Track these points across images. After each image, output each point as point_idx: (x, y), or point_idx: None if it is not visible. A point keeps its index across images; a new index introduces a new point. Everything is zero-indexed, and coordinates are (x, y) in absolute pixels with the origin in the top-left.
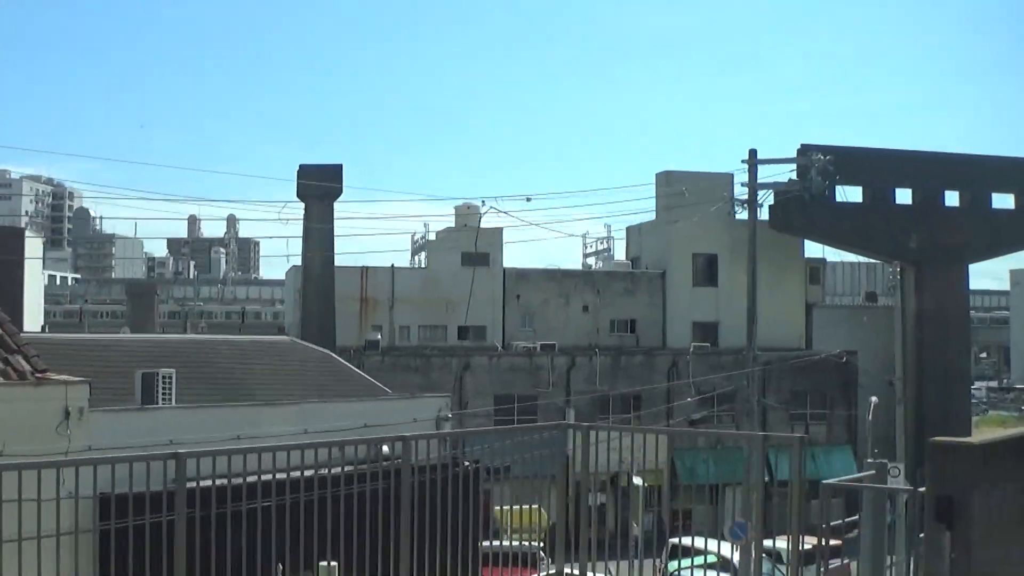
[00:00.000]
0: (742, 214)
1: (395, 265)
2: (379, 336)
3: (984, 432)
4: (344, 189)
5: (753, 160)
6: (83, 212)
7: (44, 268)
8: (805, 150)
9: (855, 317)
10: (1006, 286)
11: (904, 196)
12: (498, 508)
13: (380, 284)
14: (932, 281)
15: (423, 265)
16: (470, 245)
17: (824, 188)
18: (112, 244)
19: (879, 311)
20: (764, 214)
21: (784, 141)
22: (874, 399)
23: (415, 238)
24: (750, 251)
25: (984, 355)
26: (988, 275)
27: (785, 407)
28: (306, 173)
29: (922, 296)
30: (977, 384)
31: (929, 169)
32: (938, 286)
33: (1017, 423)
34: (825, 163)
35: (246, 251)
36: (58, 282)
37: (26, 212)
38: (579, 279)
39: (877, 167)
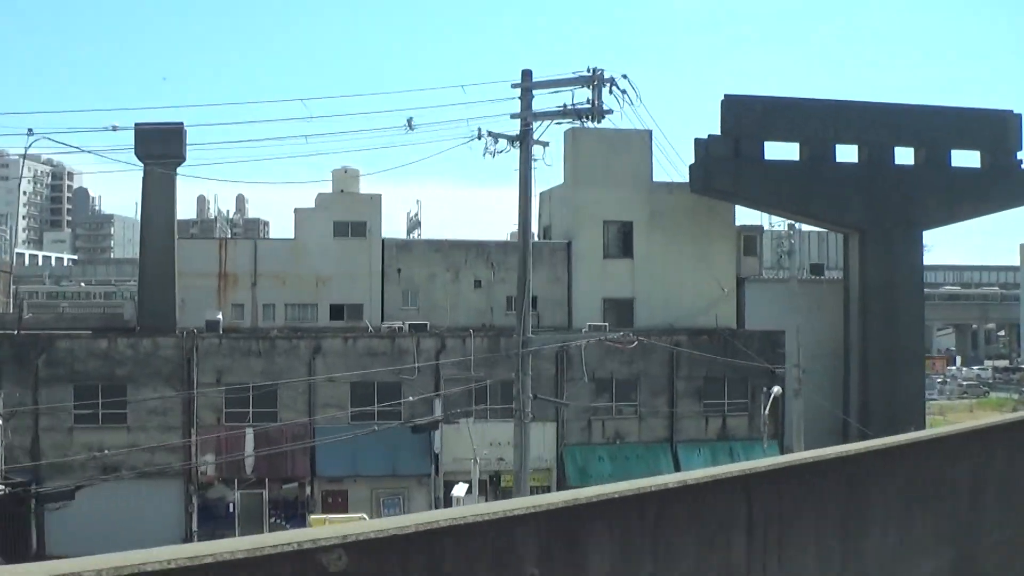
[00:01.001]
0: (658, 175)
1: (260, 236)
2: (219, 316)
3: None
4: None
5: (528, 83)
6: (83, 192)
7: (42, 249)
8: (730, 102)
9: (800, 292)
10: (1016, 261)
11: (848, 154)
12: (315, 517)
13: (241, 257)
14: (879, 251)
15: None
16: (345, 213)
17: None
18: (111, 224)
19: (827, 285)
20: (683, 175)
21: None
22: (777, 389)
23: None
24: (521, 208)
25: (1002, 333)
26: (997, 249)
27: (698, 396)
28: (145, 134)
29: (867, 268)
30: (984, 364)
31: (876, 122)
32: (886, 256)
33: (1017, 405)
34: (616, 80)
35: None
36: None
37: (24, 192)
38: (470, 251)
39: (815, 120)
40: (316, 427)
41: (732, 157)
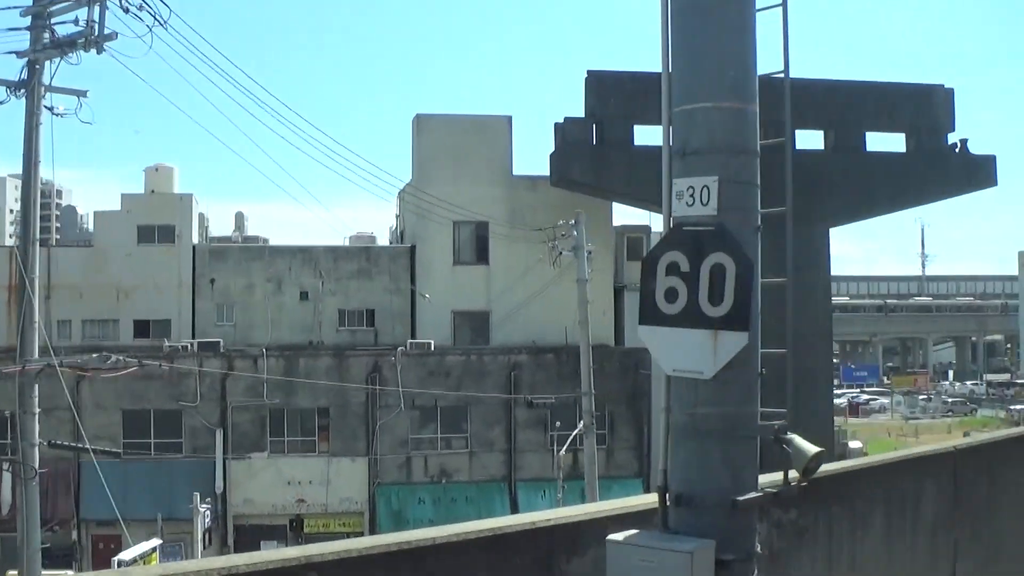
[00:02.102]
0: (524, 168)
1: (54, 242)
2: None
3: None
4: None
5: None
6: (71, 211)
7: None
8: (595, 79)
9: None
10: (1014, 270)
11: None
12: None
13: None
14: (775, 252)
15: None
16: (152, 216)
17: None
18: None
19: None
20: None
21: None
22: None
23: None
24: (24, 180)
25: (1010, 346)
26: (994, 258)
27: (543, 426)
28: None
29: (765, 273)
30: (982, 380)
31: (776, 100)
32: (784, 258)
33: (1003, 426)
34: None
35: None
36: None
37: (11, 211)
38: (295, 257)
39: None
40: (81, 462)
41: (593, 143)
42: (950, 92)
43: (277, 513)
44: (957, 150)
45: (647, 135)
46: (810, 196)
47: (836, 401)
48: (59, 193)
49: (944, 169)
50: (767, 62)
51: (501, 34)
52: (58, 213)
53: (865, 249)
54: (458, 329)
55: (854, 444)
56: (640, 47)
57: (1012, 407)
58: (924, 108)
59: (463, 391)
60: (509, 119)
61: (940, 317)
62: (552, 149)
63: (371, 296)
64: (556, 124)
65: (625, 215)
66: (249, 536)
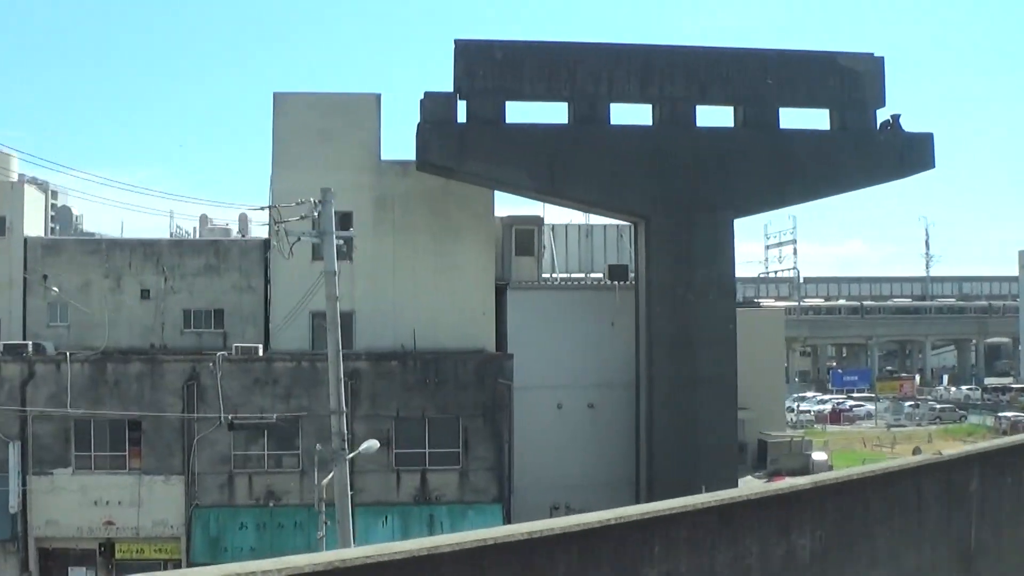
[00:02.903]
0: (397, 152)
1: None
2: None
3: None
4: None
5: None
6: (66, 211)
7: None
8: (464, 49)
9: (584, 302)
10: (1015, 271)
11: (639, 114)
12: None
13: None
14: (670, 246)
15: None
16: None
17: None
18: None
19: (626, 293)
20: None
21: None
22: (372, 444)
23: None
24: None
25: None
26: (993, 260)
27: (386, 443)
28: None
29: (654, 269)
30: (978, 384)
31: (673, 72)
32: (681, 253)
33: (989, 435)
34: None
35: None
36: None
37: None
38: (135, 252)
39: (583, 70)
40: None
41: (461, 120)
42: (879, 61)
43: (84, 536)
44: (889, 128)
45: (521, 111)
46: (713, 180)
47: (818, 408)
48: (54, 194)
49: (872, 150)
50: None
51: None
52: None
53: (883, 253)
54: (318, 332)
55: (818, 456)
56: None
57: (1003, 414)
58: (849, 80)
59: (293, 401)
60: (378, 97)
61: (939, 319)
62: None
63: (220, 295)
64: (421, 101)
65: (517, 204)
66: (57, 561)
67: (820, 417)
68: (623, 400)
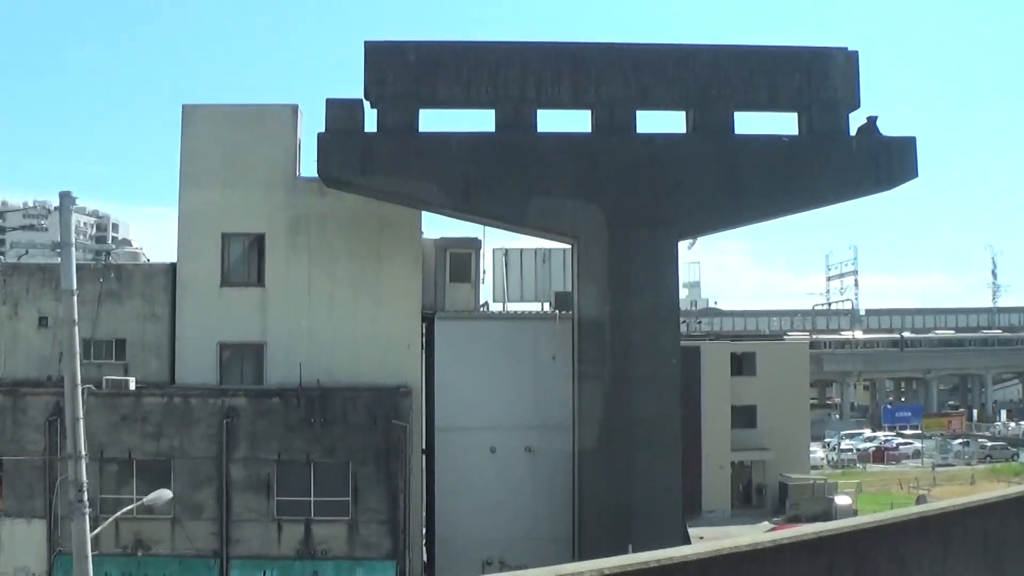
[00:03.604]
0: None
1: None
2: None
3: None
4: None
5: None
6: (126, 244)
7: None
8: (375, 51)
9: (519, 332)
10: None
11: (579, 121)
12: None
13: None
14: (607, 269)
15: None
16: None
17: None
18: None
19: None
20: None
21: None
22: (164, 493)
23: None
24: None
25: None
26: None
27: (266, 489)
28: None
29: (585, 294)
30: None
31: (614, 73)
32: (619, 277)
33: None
34: None
35: None
36: None
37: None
38: (33, 276)
39: (508, 73)
40: None
41: (371, 129)
42: (852, 57)
43: None
44: (862, 133)
45: (437, 120)
46: (654, 194)
47: (864, 445)
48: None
49: (844, 159)
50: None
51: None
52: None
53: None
54: (226, 365)
55: (842, 500)
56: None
57: None
58: (817, 79)
59: (163, 441)
60: (294, 109)
61: (1001, 351)
62: None
63: (122, 324)
64: (325, 108)
65: (452, 227)
66: None
67: (863, 456)
68: (565, 443)
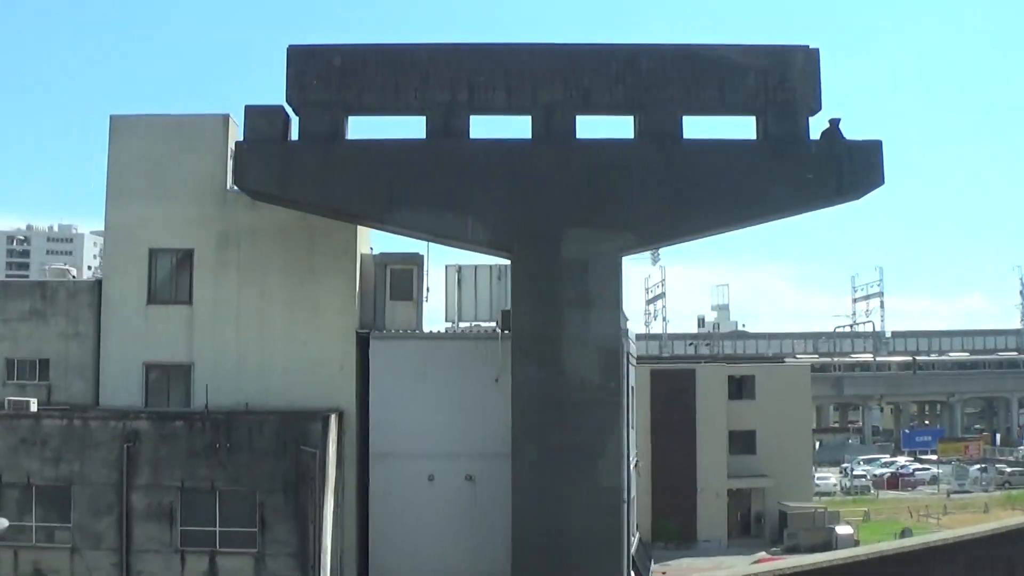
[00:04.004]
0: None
1: None
2: None
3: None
4: None
5: None
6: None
7: None
8: (298, 56)
9: (465, 354)
10: None
11: (509, 127)
12: None
13: None
14: (537, 284)
15: None
16: None
17: None
18: None
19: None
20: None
21: None
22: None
23: None
24: None
25: None
26: None
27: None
28: None
29: (519, 313)
30: None
31: (550, 75)
32: (551, 293)
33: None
34: None
35: None
36: None
37: (89, 267)
38: None
39: (439, 77)
40: None
41: (284, 140)
42: (813, 55)
43: None
44: (825, 137)
45: (375, 127)
46: (594, 205)
47: (880, 471)
48: None
49: (803, 165)
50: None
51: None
52: None
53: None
54: (153, 386)
55: (843, 530)
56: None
57: None
58: (774, 79)
59: (63, 466)
60: (226, 119)
61: None
62: None
63: (45, 343)
64: (244, 117)
65: (404, 242)
66: None
67: (878, 482)
68: (508, 472)
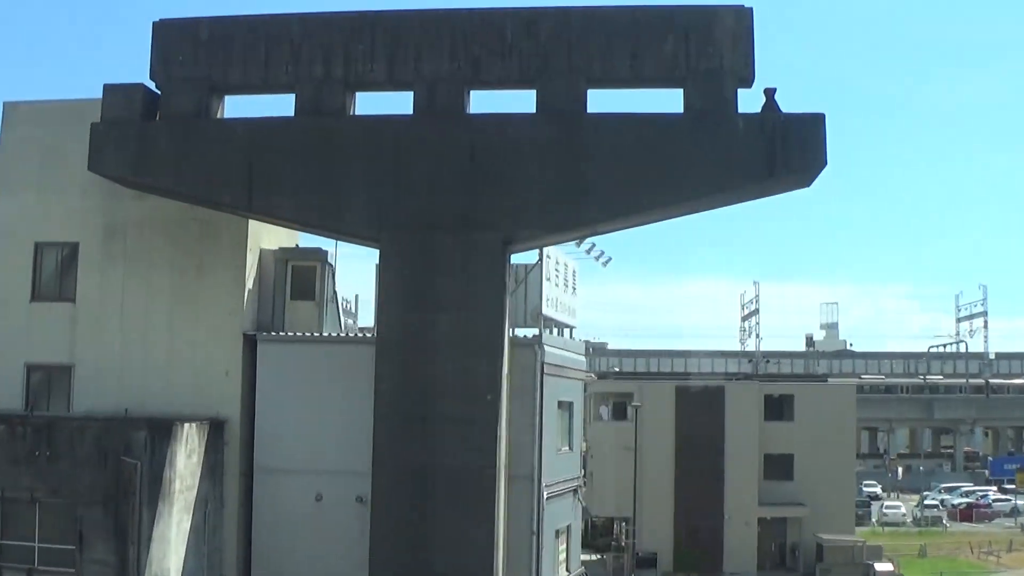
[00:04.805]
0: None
1: None
2: None
3: None
4: None
5: None
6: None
7: None
8: (165, 30)
9: (360, 359)
10: None
11: (394, 103)
12: None
13: None
14: (404, 280)
15: None
16: None
17: None
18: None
19: None
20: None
21: None
22: None
23: None
24: None
25: None
26: None
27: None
28: None
29: (384, 313)
30: None
31: (436, 43)
32: (419, 290)
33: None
34: None
35: None
36: None
37: None
38: None
39: (312, 47)
40: None
41: (142, 121)
42: (746, 15)
43: None
44: (765, 111)
45: (244, 106)
46: (476, 191)
47: (957, 501)
48: None
49: (729, 144)
50: None
51: None
52: None
53: None
54: (35, 388)
55: (882, 567)
56: None
57: None
58: (697, 44)
59: None
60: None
61: None
62: None
63: None
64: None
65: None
66: None
67: (952, 513)
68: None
